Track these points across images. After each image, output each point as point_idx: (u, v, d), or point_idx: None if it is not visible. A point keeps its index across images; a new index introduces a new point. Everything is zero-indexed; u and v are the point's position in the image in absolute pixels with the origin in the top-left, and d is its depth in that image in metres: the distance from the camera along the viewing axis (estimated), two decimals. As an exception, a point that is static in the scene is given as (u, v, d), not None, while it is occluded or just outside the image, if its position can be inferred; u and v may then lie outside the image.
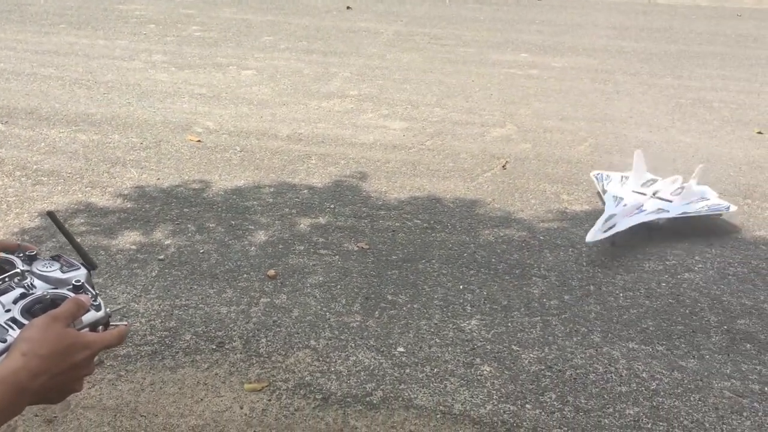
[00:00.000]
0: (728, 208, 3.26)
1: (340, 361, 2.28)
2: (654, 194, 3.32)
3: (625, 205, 3.17)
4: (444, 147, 4.20)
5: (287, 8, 8.50)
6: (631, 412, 2.10)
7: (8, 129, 4.29)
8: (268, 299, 2.61)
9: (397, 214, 3.34)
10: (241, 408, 2.06)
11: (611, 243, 3.05)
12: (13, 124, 4.37)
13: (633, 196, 3.32)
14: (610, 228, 2.96)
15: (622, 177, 3.56)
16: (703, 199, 3.34)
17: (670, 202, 3.25)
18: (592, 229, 2.93)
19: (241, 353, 2.30)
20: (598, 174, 3.68)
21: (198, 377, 2.18)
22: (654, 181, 3.51)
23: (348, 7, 8.56)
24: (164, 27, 7.25)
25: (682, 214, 3.20)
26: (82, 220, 3.18)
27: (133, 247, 2.96)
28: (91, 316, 0.93)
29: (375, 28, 7.57)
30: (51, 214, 1.12)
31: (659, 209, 3.21)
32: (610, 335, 2.46)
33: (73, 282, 0.98)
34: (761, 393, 2.19)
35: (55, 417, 2.00)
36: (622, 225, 3.02)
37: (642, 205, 3.21)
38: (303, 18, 7.97)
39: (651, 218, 3.16)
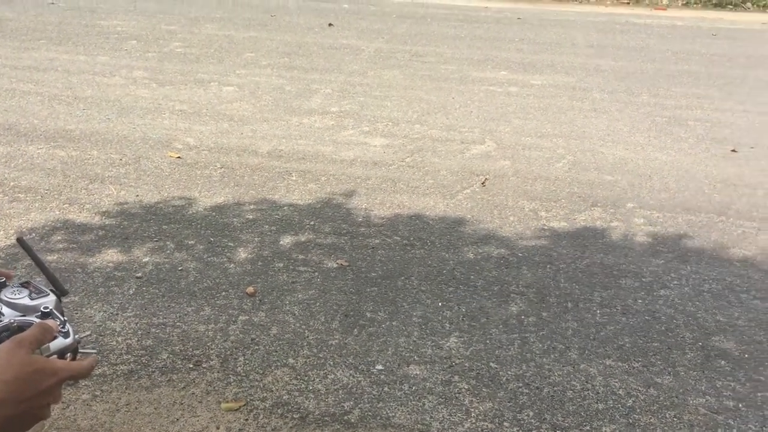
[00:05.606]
0: None
1: (318, 379, 2.27)
2: None
3: None
4: (424, 164, 4.23)
5: (270, 25, 8.52)
6: (608, 429, 2.11)
7: (-15, 145, 4.25)
8: (247, 317, 2.60)
9: (377, 231, 3.35)
10: (218, 428, 2.05)
11: None
12: (-10, 140, 4.33)
13: None
14: None
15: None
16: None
17: None
18: None
19: (218, 372, 2.29)
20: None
21: (174, 397, 2.17)
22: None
23: (330, 24, 8.60)
24: (146, 43, 7.23)
25: None
26: (59, 238, 3.15)
27: (111, 264, 2.94)
28: (59, 342, 0.92)
29: (356, 45, 7.61)
30: (21, 241, 1.11)
31: None
32: (587, 352, 2.48)
33: (42, 309, 0.97)
34: (735, 410, 2.22)
35: (29, 438, 1.97)
36: None
37: None
38: (285, 34, 8.00)
39: None
